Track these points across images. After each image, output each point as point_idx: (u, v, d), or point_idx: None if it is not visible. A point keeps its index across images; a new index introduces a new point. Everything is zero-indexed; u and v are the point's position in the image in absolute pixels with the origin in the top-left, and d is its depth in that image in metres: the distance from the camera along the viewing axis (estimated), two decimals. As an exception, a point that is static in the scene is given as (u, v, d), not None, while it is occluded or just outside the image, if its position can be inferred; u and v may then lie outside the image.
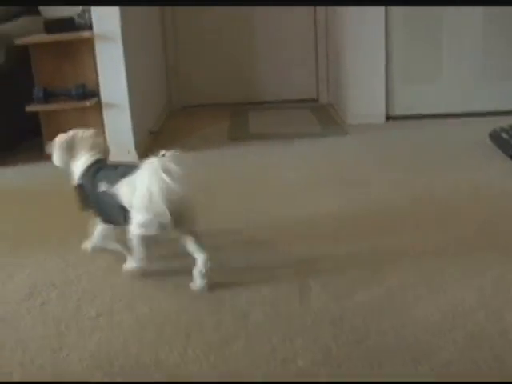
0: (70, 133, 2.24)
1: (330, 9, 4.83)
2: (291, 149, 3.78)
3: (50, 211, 2.85)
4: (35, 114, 3.70)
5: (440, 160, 3.43)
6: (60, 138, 2.22)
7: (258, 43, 5.08)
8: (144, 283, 2.07)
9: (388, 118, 4.35)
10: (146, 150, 3.80)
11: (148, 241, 1.98)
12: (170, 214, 1.85)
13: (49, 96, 3.61)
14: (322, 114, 4.68)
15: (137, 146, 3.64)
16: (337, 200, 2.81)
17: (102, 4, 3.43)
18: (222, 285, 2.02)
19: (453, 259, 2.15)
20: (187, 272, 1.99)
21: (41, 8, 4.52)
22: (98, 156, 2.20)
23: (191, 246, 2.00)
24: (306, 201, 2.83)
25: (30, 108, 3.60)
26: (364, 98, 4.30)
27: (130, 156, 3.57)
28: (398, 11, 4.20)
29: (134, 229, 1.94)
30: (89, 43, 3.55)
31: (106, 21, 3.46)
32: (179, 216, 1.91)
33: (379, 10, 4.16)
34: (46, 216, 2.80)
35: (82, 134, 2.23)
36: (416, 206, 2.72)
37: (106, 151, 2.27)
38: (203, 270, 1.97)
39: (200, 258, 1.98)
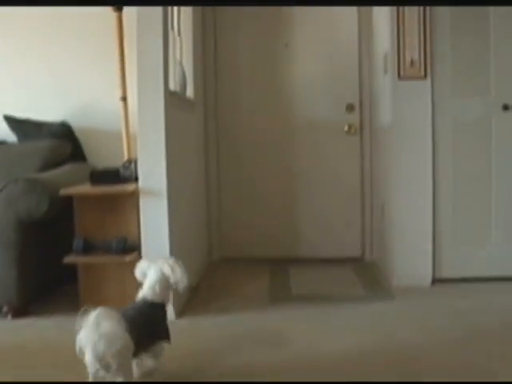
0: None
1: (375, 157, 4.82)
2: (334, 315, 3.60)
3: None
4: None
5: (496, 332, 3.21)
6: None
7: (300, 200, 5.05)
8: None
9: (434, 280, 4.19)
10: (184, 305, 3.69)
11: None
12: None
13: (88, 248, 3.54)
14: (366, 273, 4.54)
15: (175, 303, 3.50)
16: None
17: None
18: None
19: None
20: None
21: (87, 154, 4.58)
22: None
23: None
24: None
25: (68, 259, 3.52)
26: (410, 259, 4.16)
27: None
28: (445, 168, 4.18)
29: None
30: (133, 197, 3.52)
31: (153, 176, 3.44)
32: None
33: (427, 167, 4.13)
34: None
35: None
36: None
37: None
38: None
39: None
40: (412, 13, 4.07)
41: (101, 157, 4.52)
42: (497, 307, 3.66)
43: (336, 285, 4.25)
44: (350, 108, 4.94)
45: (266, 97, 5.04)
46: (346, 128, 4.96)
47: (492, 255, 4.23)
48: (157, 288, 2.64)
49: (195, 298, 3.89)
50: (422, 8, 4.05)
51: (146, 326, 2.49)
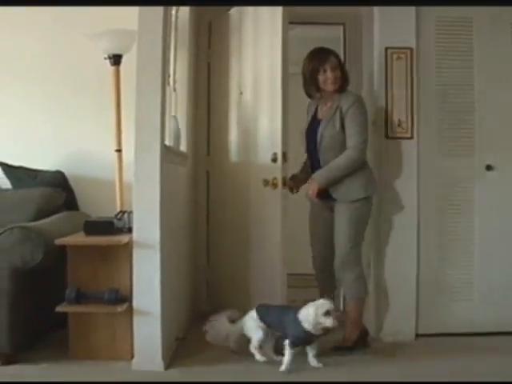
0: None
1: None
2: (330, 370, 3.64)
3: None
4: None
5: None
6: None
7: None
8: None
9: (417, 335, 4.28)
10: (172, 357, 3.72)
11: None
12: None
13: (81, 297, 3.57)
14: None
15: (164, 355, 3.55)
16: None
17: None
18: None
19: None
20: None
21: (80, 204, 4.66)
22: None
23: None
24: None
25: (60, 308, 3.55)
26: (394, 315, 4.26)
27: (155, 365, 3.50)
28: (429, 227, 4.31)
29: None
30: (127, 248, 3.59)
31: (147, 228, 3.51)
32: None
33: (412, 230, 4.27)
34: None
35: None
36: None
37: None
38: None
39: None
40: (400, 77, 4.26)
41: (93, 206, 4.59)
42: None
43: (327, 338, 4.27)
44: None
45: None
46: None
47: (474, 312, 4.33)
48: None
49: (183, 350, 3.92)
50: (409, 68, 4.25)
51: None
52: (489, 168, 4.32)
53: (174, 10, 4.37)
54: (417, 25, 4.30)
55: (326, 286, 4.16)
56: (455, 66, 4.34)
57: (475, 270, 4.35)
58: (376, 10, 4.34)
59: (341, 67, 4.04)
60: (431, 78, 4.32)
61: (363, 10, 4.85)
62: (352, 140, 3.89)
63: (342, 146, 3.92)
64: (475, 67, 4.35)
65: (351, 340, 3.95)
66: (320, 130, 3.98)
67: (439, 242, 4.33)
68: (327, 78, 3.96)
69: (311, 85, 4.05)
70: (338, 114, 3.92)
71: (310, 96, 4.16)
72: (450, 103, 4.33)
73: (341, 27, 5.24)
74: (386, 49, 4.27)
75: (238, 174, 4.77)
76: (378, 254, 4.33)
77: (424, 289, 4.30)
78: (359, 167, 3.93)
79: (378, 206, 4.27)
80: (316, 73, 3.98)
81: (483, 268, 4.35)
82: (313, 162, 4.10)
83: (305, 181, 4.14)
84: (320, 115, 4.08)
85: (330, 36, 5.22)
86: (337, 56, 4.07)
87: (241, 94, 4.69)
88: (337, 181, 3.92)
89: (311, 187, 3.96)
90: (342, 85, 4.01)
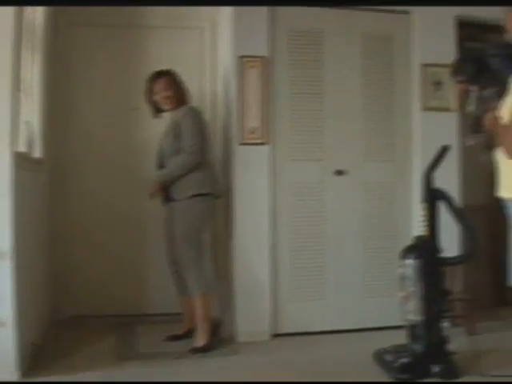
0: None
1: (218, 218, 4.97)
2: (180, 371, 3.72)
3: None
4: None
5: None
6: None
7: (149, 255, 5.08)
8: None
9: (273, 335, 4.42)
10: (29, 365, 3.64)
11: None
12: None
13: None
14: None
15: (19, 364, 3.46)
16: None
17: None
18: None
19: None
20: None
21: None
22: None
23: None
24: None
25: None
26: (250, 316, 4.36)
27: (10, 375, 3.41)
28: (283, 229, 4.47)
29: None
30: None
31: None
32: None
33: (265, 226, 4.40)
34: None
35: None
36: None
37: None
38: None
39: None
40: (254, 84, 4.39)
41: None
42: (330, 359, 3.94)
43: (183, 341, 4.32)
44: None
45: (112, 154, 5.09)
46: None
47: (326, 311, 4.54)
48: None
49: (41, 358, 3.85)
50: (262, 77, 4.38)
51: None
52: (339, 173, 4.54)
53: (29, 10, 4.25)
54: (271, 34, 4.45)
55: (180, 285, 4.25)
56: (307, 75, 4.54)
57: (327, 270, 4.56)
58: (231, 17, 4.45)
59: (175, 86, 4.30)
60: (284, 86, 4.48)
61: (220, 16, 4.96)
62: (185, 144, 4.13)
63: (180, 153, 4.16)
64: (325, 76, 4.56)
65: (204, 339, 4.08)
66: (162, 142, 4.28)
67: (292, 244, 4.50)
68: (159, 98, 4.28)
69: (150, 106, 4.36)
70: (175, 125, 4.20)
71: (156, 115, 4.41)
72: (301, 111, 4.52)
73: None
74: (240, 57, 4.38)
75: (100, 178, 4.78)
76: (232, 256, 4.44)
77: (279, 289, 4.45)
78: (195, 168, 4.14)
79: (231, 210, 4.39)
80: (151, 94, 4.31)
81: (334, 268, 4.57)
82: None
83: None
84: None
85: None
86: (171, 75, 4.30)
87: (135, 109, 4.91)
88: (173, 180, 4.14)
89: (152, 186, 4.20)
90: (178, 102, 4.28)
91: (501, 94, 2.71)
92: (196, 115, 4.23)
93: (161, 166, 4.25)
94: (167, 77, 4.28)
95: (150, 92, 4.31)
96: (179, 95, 4.29)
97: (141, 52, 5.06)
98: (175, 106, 4.27)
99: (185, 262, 4.13)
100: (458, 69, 2.95)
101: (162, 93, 4.26)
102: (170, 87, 4.26)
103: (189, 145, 4.11)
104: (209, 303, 4.17)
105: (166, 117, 4.38)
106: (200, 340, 4.09)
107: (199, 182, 4.15)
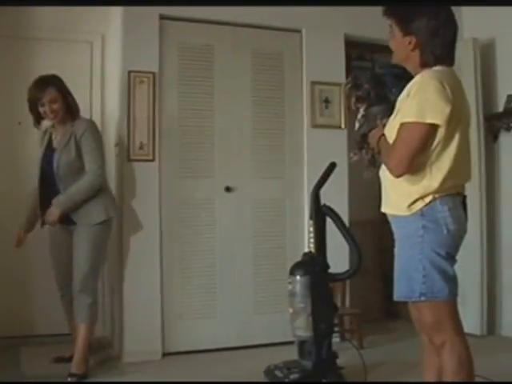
0: None
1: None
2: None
3: None
4: None
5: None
6: None
7: (37, 272, 4.88)
8: None
9: (165, 354, 4.34)
10: None
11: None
12: None
13: None
14: (98, 349, 4.51)
15: None
16: None
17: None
18: None
19: None
20: None
21: None
22: None
23: None
24: None
25: None
26: (140, 335, 4.26)
27: None
28: (172, 246, 4.41)
29: None
30: None
31: None
32: None
33: (154, 245, 4.34)
34: None
35: None
36: None
37: None
38: None
39: None
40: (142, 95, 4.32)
41: None
42: (221, 377, 3.90)
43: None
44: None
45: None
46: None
47: (217, 328, 4.51)
48: None
49: None
50: (152, 95, 4.32)
51: None
52: (228, 189, 4.53)
53: None
54: (160, 50, 4.41)
55: (71, 309, 4.07)
56: (197, 91, 4.52)
57: (218, 288, 4.54)
58: (121, 31, 4.37)
59: (63, 97, 3.94)
60: (173, 102, 4.44)
61: (110, 30, 4.87)
62: (89, 165, 3.87)
63: (80, 172, 3.89)
64: (215, 93, 4.56)
65: (84, 366, 3.91)
66: (56, 158, 3.90)
67: (182, 262, 4.45)
68: (46, 111, 3.91)
69: (33, 115, 3.99)
70: (72, 141, 3.89)
71: (37, 125, 4.08)
72: (191, 127, 4.49)
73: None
74: (129, 72, 4.31)
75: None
76: (121, 276, 4.33)
77: (169, 307, 4.38)
78: (99, 190, 3.93)
79: (119, 228, 4.30)
80: (36, 105, 3.93)
81: (224, 285, 4.55)
82: (47, 192, 3.96)
83: (35, 219, 4.10)
84: (55, 144, 4.00)
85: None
86: (59, 85, 3.95)
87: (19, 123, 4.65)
88: (77, 205, 3.88)
89: (52, 213, 3.87)
90: (67, 114, 3.95)
91: (386, 113, 2.76)
92: (97, 132, 4.00)
93: (49, 184, 3.93)
94: (55, 88, 3.90)
95: (34, 102, 3.92)
96: (68, 107, 3.95)
97: (27, 65, 4.84)
98: (63, 119, 3.94)
99: (82, 289, 3.90)
100: (357, 84, 2.99)
101: (50, 105, 3.88)
102: (58, 99, 3.90)
103: (94, 166, 3.86)
104: (93, 332, 4.03)
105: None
106: (81, 366, 3.87)
107: (105, 206, 3.95)
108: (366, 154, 2.88)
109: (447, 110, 2.41)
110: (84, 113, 4.50)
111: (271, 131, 4.71)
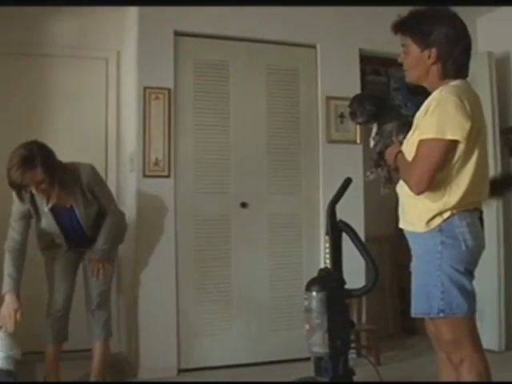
0: None
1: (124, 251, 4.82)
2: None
3: None
4: None
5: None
6: None
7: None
8: None
9: (180, 370, 4.32)
10: None
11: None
12: None
13: None
14: (115, 366, 4.50)
15: None
16: None
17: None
18: None
19: None
20: None
21: None
22: None
23: None
24: None
25: None
26: (156, 352, 4.24)
27: None
28: (187, 261, 4.40)
29: None
30: None
31: None
32: None
33: (171, 260, 4.33)
34: None
35: None
36: None
37: None
38: None
39: None
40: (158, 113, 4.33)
41: None
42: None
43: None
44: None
45: None
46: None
47: (233, 344, 4.48)
48: None
49: None
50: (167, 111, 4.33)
51: None
52: (243, 205, 4.52)
53: None
54: (175, 66, 4.43)
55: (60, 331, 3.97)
56: (212, 107, 4.53)
57: (233, 304, 4.52)
58: (136, 48, 4.40)
59: (51, 172, 3.46)
60: (188, 117, 4.45)
61: (125, 47, 4.89)
62: (108, 207, 3.82)
63: (100, 214, 3.81)
64: (231, 108, 4.57)
65: None
66: (78, 213, 3.72)
67: (197, 278, 4.43)
68: (37, 191, 3.51)
69: (16, 194, 3.57)
70: (85, 191, 3.69)
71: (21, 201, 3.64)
72: (207, 143, 4.50)
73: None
74: (145, 88, 4.32)
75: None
76: (136, 293, 4.32)
77: (185, 324, 4.37)
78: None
79: (135, 244, 4.31)
80: (19, 190, 3.50)
81: (240, 302, 4.53)
82: (73, 238, 3.85)
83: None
84: (56, 204, 3.66)
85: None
86: (44, 162, 3.42)
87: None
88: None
89: (96, 264, 3.84)
90: (58, 182, 3.55)
91: (402, 129, 2.74)
92: (96, 173, 3.78)
93: (76, 235, 3.81)
94: (41, 168, 3.39)
95: (17, 188, 3.46)
96: (57, 177, 3.52)
97: (42, 82, 4.87)
98: (53, 188, 3.56)
99: (98, 304, 3.87)
100: (355, 112, 2.97)
101: (37, 186, 3.45)
102: (45, 178, 3.45)
103: (113, 205, 3.86)
104: (108, 348, 3.98)
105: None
106: None
107: (122, 233, 4.04)
108: (382, 170, 2.86)
109: (467, 125, 2.38)
110: (99, 130, 4.55)
111: (286, 146, 4.70)
